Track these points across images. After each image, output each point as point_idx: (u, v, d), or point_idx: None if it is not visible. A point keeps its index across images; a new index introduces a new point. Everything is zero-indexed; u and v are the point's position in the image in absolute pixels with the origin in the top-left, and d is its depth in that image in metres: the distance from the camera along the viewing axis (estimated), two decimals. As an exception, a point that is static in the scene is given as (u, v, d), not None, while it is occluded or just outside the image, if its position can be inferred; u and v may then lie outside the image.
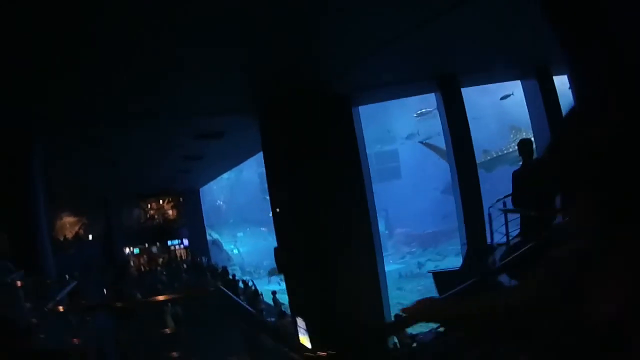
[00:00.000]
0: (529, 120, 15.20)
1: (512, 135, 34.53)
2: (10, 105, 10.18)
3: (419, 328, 14.93)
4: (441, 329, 13.34)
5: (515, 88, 29.39)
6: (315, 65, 10.66)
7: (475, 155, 13.24)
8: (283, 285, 37.83)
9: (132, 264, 29.67)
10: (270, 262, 44.74)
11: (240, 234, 50.25)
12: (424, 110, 39.04)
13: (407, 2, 8.04)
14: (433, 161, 44.68)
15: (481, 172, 31.60)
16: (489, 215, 8.91)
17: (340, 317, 10.96)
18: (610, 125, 1.21)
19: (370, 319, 11.31)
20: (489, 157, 35.19)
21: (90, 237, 28.01)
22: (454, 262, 38.92)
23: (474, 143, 13.16)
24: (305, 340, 11.60)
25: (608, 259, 1.25)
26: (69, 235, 26.83)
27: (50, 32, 6.99)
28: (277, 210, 13.02)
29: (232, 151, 19.27)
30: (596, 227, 1.29)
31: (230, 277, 22.75)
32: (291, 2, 7.35)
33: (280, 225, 13.04)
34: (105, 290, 18.29)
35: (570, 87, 8.32)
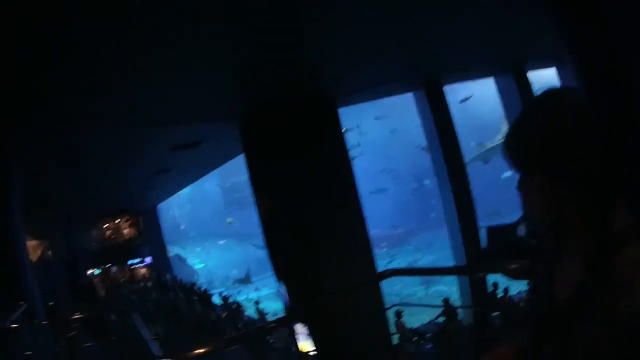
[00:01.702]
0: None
1: (503, 127, 35.60)
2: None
3: (417, 321, 15.06)
4: (440, 320, 13.53)
5: (474, 90, 30.51)
6: (304, 68, 10.47)
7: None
8: (261, 293, 37.36)
9: (96, 285, 28.66)
10: (238, 272, 44.52)
11: (198, 249, 49.34)
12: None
13: (398, 13, 8.25)
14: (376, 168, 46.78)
15: (479, 164, 32.34)
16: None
17: (342, 319, 10.82)
18: (577, 115, 1.33)
19: (370, 319, 11.19)
20: (484, 149, 35.88)
21: (53, 259, 26.76)
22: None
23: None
24: (306, 346, 11.31)
25: (565, 245, 1.45)
26: (34, 258, 25.55)
27: (18, 26, 6.25)
28: (266, 217, 12.68)
29: (204, 161, 18.68)
30: (549, 212, 1.41)
31: (202, 291, 22.04)
32: (283, 7, 7.18)
33: (271, 233, 12.69)
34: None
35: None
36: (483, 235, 12.02)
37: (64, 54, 7.28)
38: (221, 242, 49.59)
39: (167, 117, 12.01)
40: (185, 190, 37.01)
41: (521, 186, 1.46)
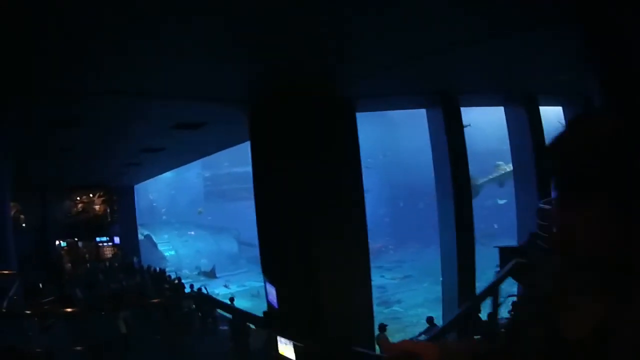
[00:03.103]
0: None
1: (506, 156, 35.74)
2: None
3: (399, 338, 14.79)
4: (422, 337, 13.31)
5: (471, 120, 30.69)
6: (325, 66, 10.11)
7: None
8: (231, 290, 36.53)
9: (63, 257, 27.73)
10: (207, 264, 43.66)
11: (170, 236, 48.30)
12: None
13: (427, 32, 8.35)
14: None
15: (494, 187, 32.72)
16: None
17: (333, 324, 10.44)
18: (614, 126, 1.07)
19: (360, 326, 11.01)
20: (502, 172, 35.82)
21: (24, 225, 25.74)
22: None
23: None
24: (287, 350, 10.84)
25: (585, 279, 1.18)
26: (6, 220, 24.53)
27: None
28: (264, 212, 12.16)
29: (200, 145, 18.06)
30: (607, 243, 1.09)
31: (174, 280, 21.32)
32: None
33: (267, 229, 12.16)
34: (41, 285, 16.86)
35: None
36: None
37: (65, 20, 6.71)
38: (195, 232, 48.76)
39: (173, 91, 11.36)
40: (167, 175, 36.17)
41: (564, 208, 1.14)
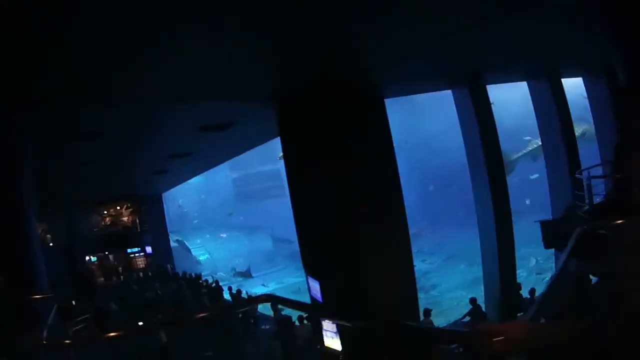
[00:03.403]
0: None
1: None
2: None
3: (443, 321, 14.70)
4: (466, 319, 13.20)
5: (494, 97, 30.39)
6: (351, 56, 9.94)
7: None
8: (269, 288, 36.47)
9: (94, 272, 28.00)
10: (242, 265, 43.74)
11: (202, 240, 48.45)
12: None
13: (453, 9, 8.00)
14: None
15: (524, 162, 32.39)
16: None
17: (378, 311, 10.34)
18: None
19: (405, 311, 10.93)
20: (535, 146, 35.53)
21: (51, 244, 25.96)
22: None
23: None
24: (333, 343, 10.79)
25: None
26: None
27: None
28: (301, 204, 12.12)
29: (228, 145, 17.93)
30: None
31: (211, 284, 21.37)
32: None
33: (305, 221, 12.11)
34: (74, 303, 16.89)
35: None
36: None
37: (85, 21, 6.37)
38: (227, 233, 48.94)
39: (198, 92, 11.16)
40: (194, 179, 36.28)
41: None
